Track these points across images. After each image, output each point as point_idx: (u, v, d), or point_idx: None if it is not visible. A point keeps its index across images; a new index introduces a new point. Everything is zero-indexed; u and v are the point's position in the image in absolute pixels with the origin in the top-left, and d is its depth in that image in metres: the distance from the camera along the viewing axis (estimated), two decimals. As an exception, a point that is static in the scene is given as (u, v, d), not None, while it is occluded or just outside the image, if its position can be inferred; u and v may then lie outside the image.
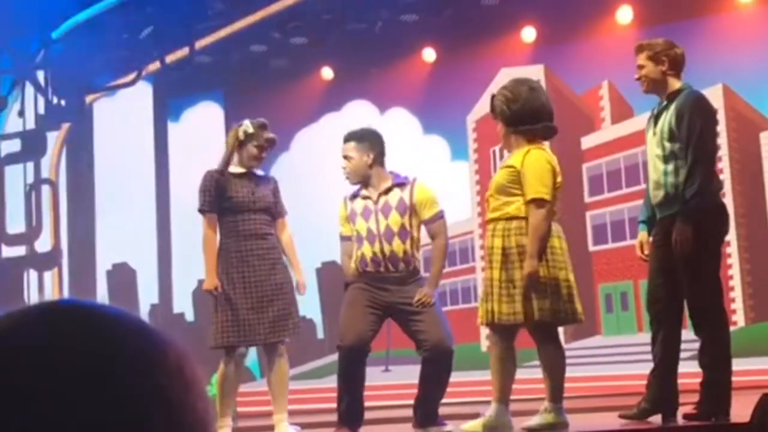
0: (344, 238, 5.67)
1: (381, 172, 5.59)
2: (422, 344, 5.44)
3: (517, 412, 5.34)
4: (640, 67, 5.20)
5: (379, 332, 5.57)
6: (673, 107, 5.09)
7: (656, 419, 5.08)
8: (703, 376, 5.02)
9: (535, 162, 5.00)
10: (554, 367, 5.07)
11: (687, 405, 5.05)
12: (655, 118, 5.20)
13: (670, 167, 5.07)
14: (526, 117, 5.06)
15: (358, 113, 10.29)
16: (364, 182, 5.59)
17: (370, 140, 5.60)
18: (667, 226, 5.08)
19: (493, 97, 5.16)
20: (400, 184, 5.56)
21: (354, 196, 5.65)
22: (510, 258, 4.98)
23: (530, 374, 5.39)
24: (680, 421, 5.00)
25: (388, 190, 5.55)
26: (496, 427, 5.07)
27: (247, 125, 5.79)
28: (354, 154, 5.56)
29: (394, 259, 5.47)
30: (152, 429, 0.74)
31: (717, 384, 4.93)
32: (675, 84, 5.18)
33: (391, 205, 5.51)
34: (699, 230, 4.93)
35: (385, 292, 5.49)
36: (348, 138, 5.62)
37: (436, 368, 5.43)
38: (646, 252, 5.25)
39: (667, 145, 5.07)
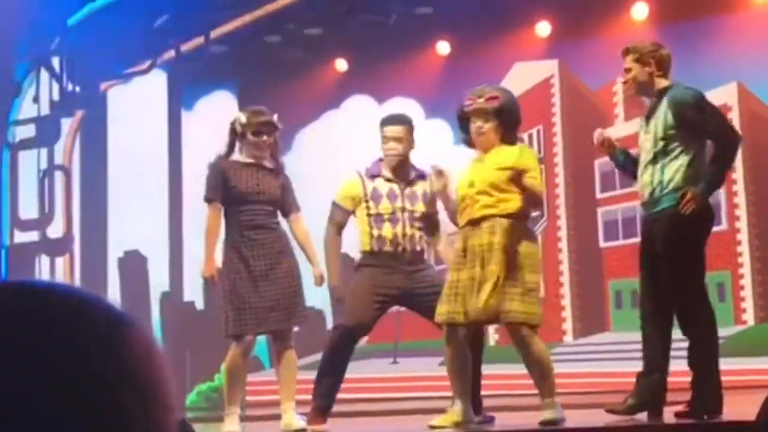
0: (344, 210, 5.76)
1: (410, 161, 5.81)
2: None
3: (521, 406, 5.34)
4: (627, 70, 5.20)
5: (380, 319, 5.70)
6: (665, 101, 5.07)
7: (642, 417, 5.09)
8: (692, 375, 5.01)
9: (535, 159, 5.18)
10: (541, 363, 5.05)
11: (679, 404, 5.05)
12: (647, 117, 5.19)
13: (658, 166, 5.07)
14: (516, 121, 5.22)
15: (363, 106, 10.32)
16: (401, 167, 5.72)
17: (413, 128, 5.81)
18: (653, 224, 5.09)
19: (493, 97, 5.14)
20: (421, 176, 5.75)
21: (373, 176, 5.74)
22: (515, 258, 4.94)
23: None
24: (669, 419, 4.99)
25: (412, 181, 5.74)
26: (465, 422, 5.09)
27: (239, 116, 5.80)
28: (406, 138, 5.73)
29: (413, 241, 5.66)
30: (126, 411, 0.74)
31: (707, 383, 4.93)
32: (663, 83, 5.17)
33: (418, 195, 5.72)
34: (686, 232, 4.94)
35: (397, 276, 5.60)
36: (400, 121, 5.80)
37: None
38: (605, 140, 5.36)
39: (660, 142, 5.06)
